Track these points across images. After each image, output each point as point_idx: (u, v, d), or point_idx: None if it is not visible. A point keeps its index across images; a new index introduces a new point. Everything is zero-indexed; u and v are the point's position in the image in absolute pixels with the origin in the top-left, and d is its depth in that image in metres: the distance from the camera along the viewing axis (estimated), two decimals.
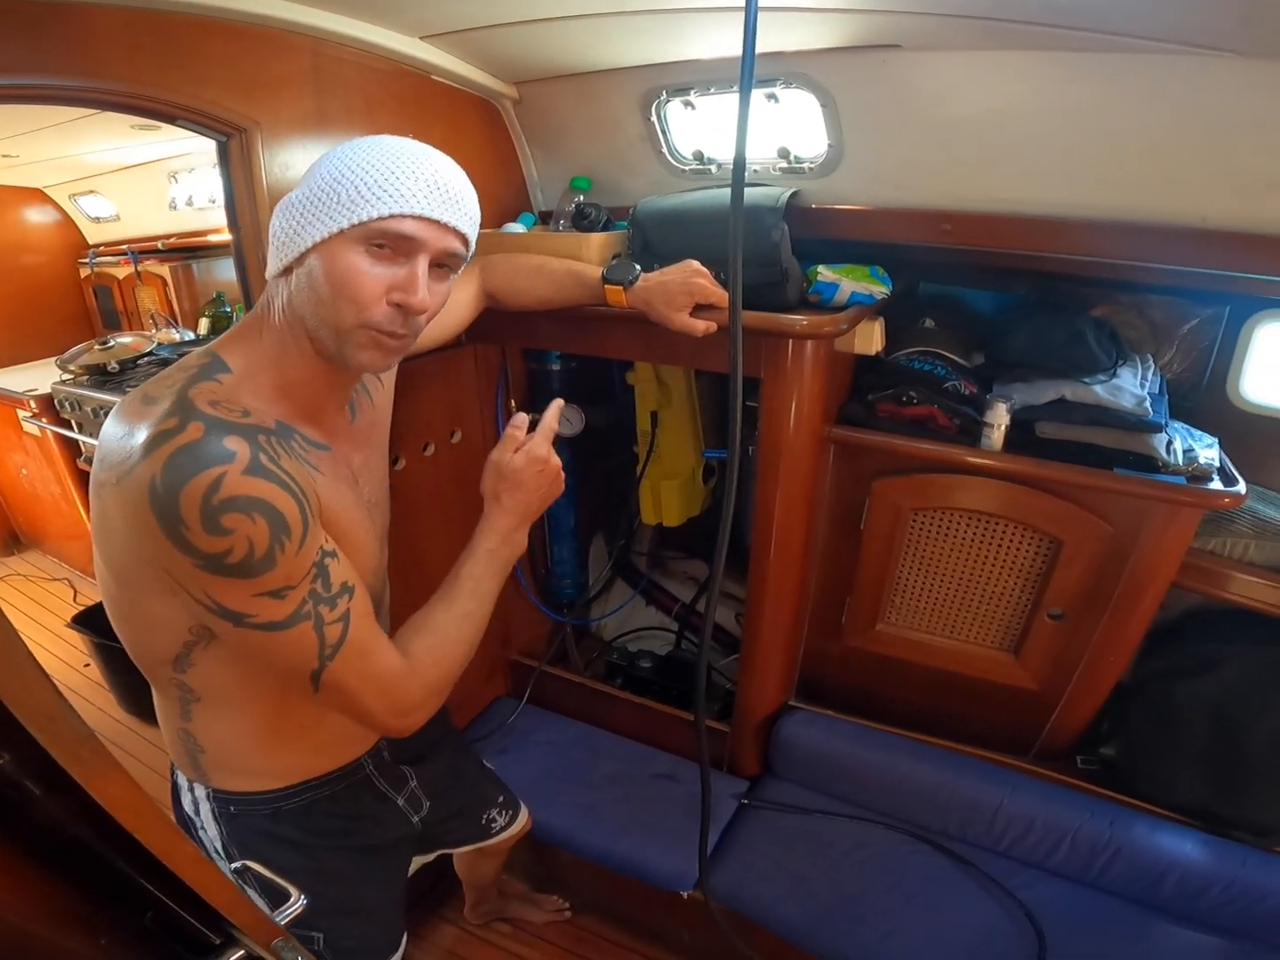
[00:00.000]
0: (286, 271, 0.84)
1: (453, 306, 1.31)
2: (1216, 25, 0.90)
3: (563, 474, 1.03)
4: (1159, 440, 1.39)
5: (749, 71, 0.71)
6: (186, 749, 0.99)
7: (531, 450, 0.99)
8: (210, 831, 1.04)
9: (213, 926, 0.78)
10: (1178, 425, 1.52)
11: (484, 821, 1.49)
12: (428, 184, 0.80)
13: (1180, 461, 1.38)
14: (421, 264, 0.82)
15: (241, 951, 0.78)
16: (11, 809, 0.64)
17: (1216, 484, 1.35)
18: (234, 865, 1.02)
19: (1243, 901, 1.47)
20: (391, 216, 0.78)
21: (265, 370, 0.85)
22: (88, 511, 3.04)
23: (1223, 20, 0.88)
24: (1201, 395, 1.70)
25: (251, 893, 1.02)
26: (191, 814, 1.05)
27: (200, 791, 1.03)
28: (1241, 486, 1.34)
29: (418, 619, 0.95)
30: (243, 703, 0.97)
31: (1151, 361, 1.61)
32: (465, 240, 0.86)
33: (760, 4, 1.13)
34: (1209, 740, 1.58)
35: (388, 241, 0.80)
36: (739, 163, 0.78)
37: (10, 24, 0.95)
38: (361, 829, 1.16)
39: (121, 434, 0.74)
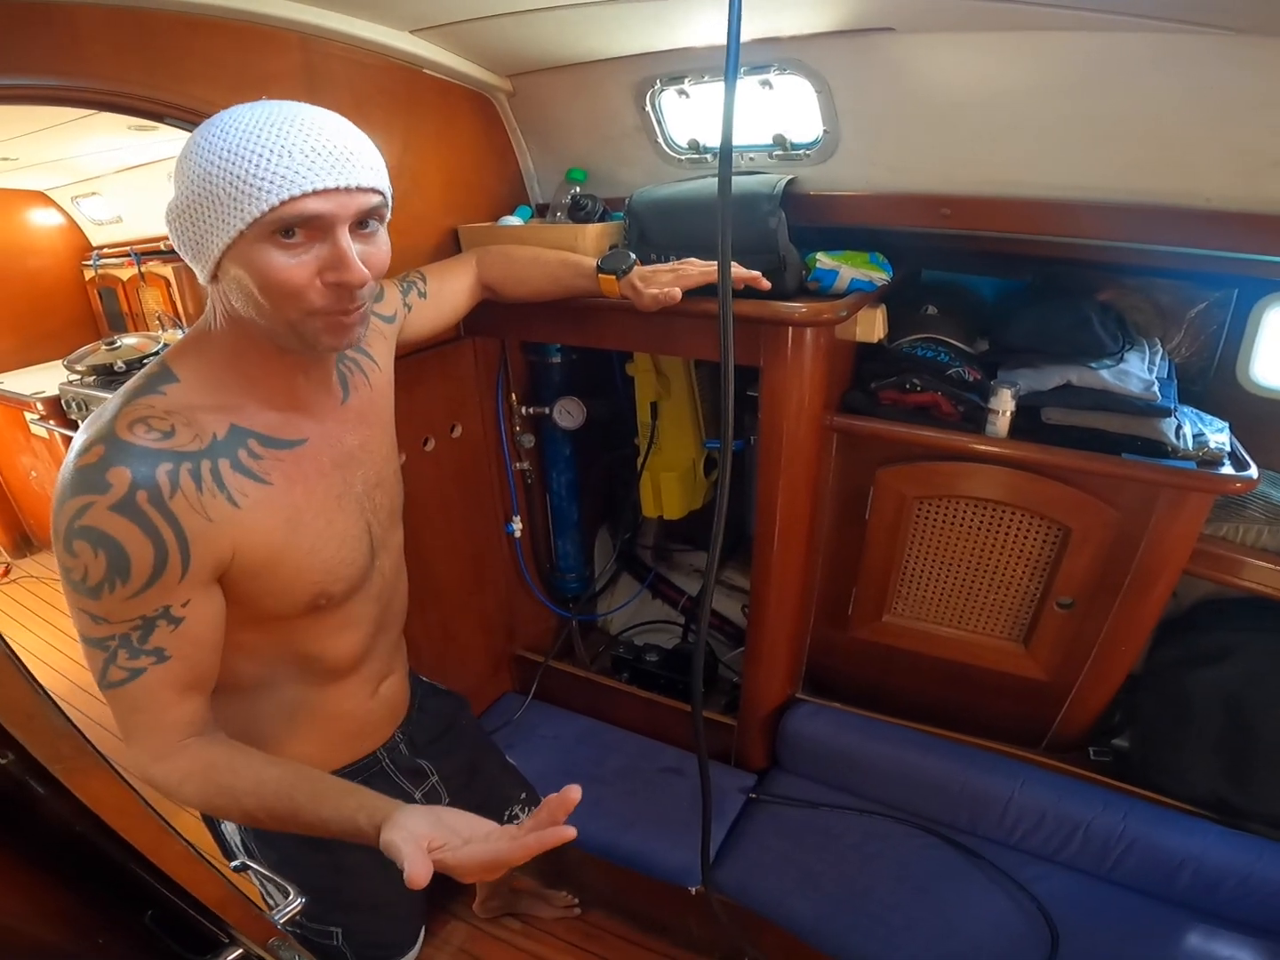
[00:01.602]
0: (212, 278, 0.79)
1: (449, 297, 1.30)
2: (1214, 2, 0.87)
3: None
4: (1168, 425, 1.37)
5: (734, 58, 0.69)
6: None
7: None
8: (231, 825, 1.04)
9: (214, 925, 0.78)
10: (1187, 410, 1.49)
11: (505, 819, 1.46)
12: (309, 153, 0.72)
13: (1190, 446, 1.36)
14: (342, 237, 0.76)
15: (240, 951, 0.78)
16: (16, 808, 0.64)
17: (1227, 469, 1.33)
18: (234, 864, 1.02)
19: (1260, 894, 1.45)
20: (285, 203, 0.71)
21: (228, 371, 0.84)
22: None
23: None
24: (1211, 379, 1.67)
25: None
26: None
27: None
28: (1253, 471, 1.32)
29: (248, 752, 0.86)
30: (248, 692, 0.97)
31: (1159, 345, 1.59)
32: (379, 192, 0.79)
33: None
34: (1223, 730, 1.56)
35: (295, 226, 0.73)
36: (725, 150, 0.77)
37: None
38: None
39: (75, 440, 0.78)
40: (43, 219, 3.44)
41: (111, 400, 0.80)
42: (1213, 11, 0.91)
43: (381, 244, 0.82)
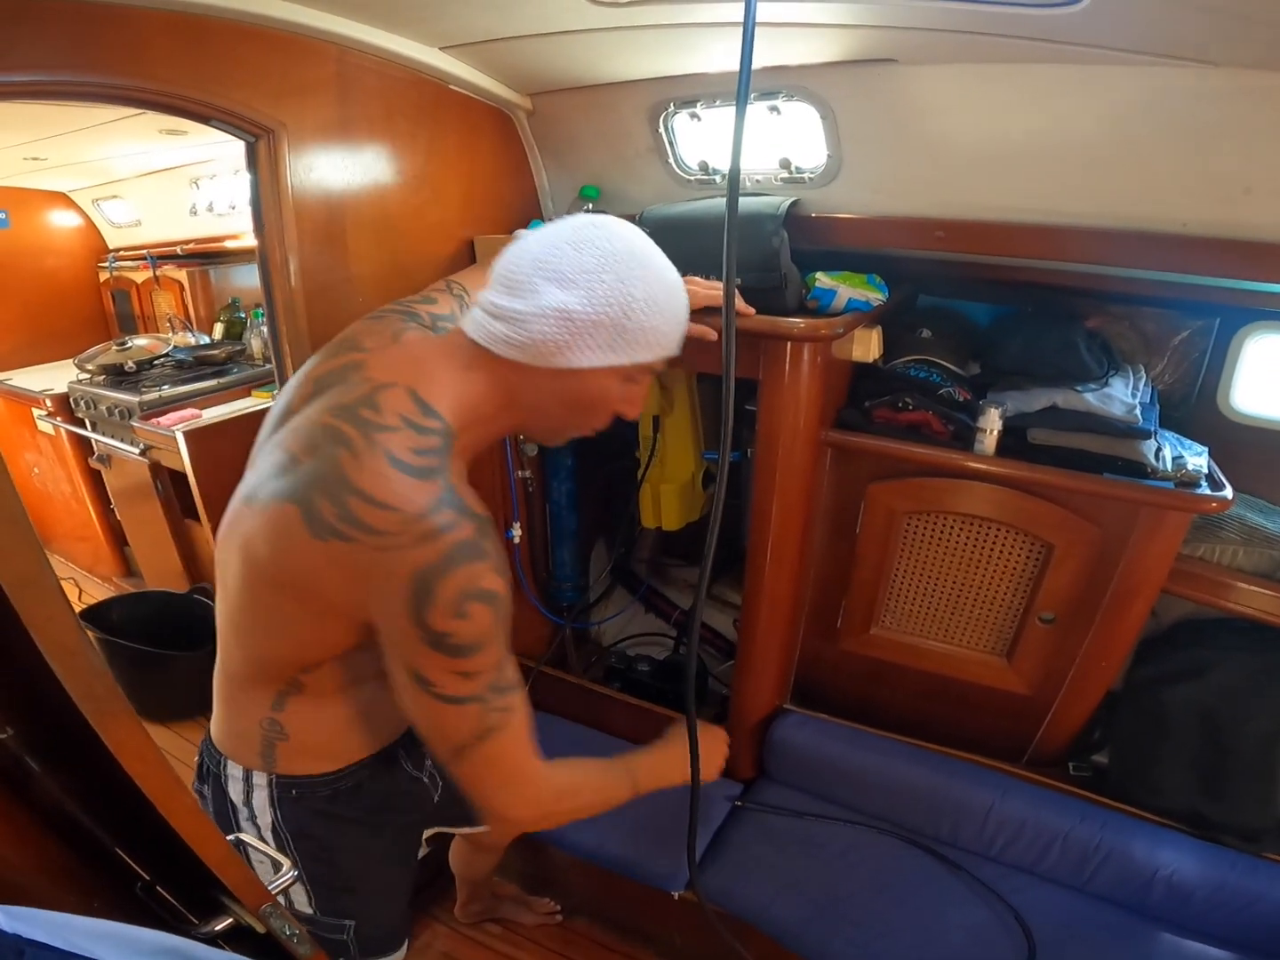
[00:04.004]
0: (528, 366, 0.89)
1: None
2: (1189, 37, 0.94)
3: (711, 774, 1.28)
4: (1148, 446, 1.43)
5: (745, 86, 0.75)
6: (264, 738, 1.02)
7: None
8: (263, 818, 1.06)
9: (199, 898, 0.80)
10: (1168, 434, 1.56)
11: None
12: (684, 327, 0.94)
13: (1169, 467, 1.42)
14: (648, 382, 0.97)
15: (229, 919, 0.80)
16: (12, 783, 0.67)
17: (1204, 489, 1.38)
18: (230, 838, 1.04)
19: (1232, 906, 1.48)
20: (665, 359, 0.93)
21: (464, 426, 0.90)
22: (98, 511, 3.10)
23: (1195, 32, 0.93)
24: (1193, 406, 1.74)
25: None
26: (240, 801, 1.06)
27: (260, 779, 1.05)
28: (1228, 492, 1.37)
29: (578, 762, 1.01)
30: (342, 693, 1.02)
31: (1143, 372, 1.65)
32: None
33: (762, 19, 1.19)
34: (1198, 746, 1.60)
35: (643, 373, 0.93)
36: (733, 174, 0.84)
37: (60, 25, 1.02)
38: (400, 805, 1.20)
39: (383, 503, 0.79)
40: (62, 220, 3.50)
41: (405, 448, 0.82)
42: (1190, 46, 0.98)
43: None
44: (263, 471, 0.90)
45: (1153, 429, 1.45)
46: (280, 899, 1.08)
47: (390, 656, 0.85)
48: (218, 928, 0.79)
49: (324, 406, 0.88)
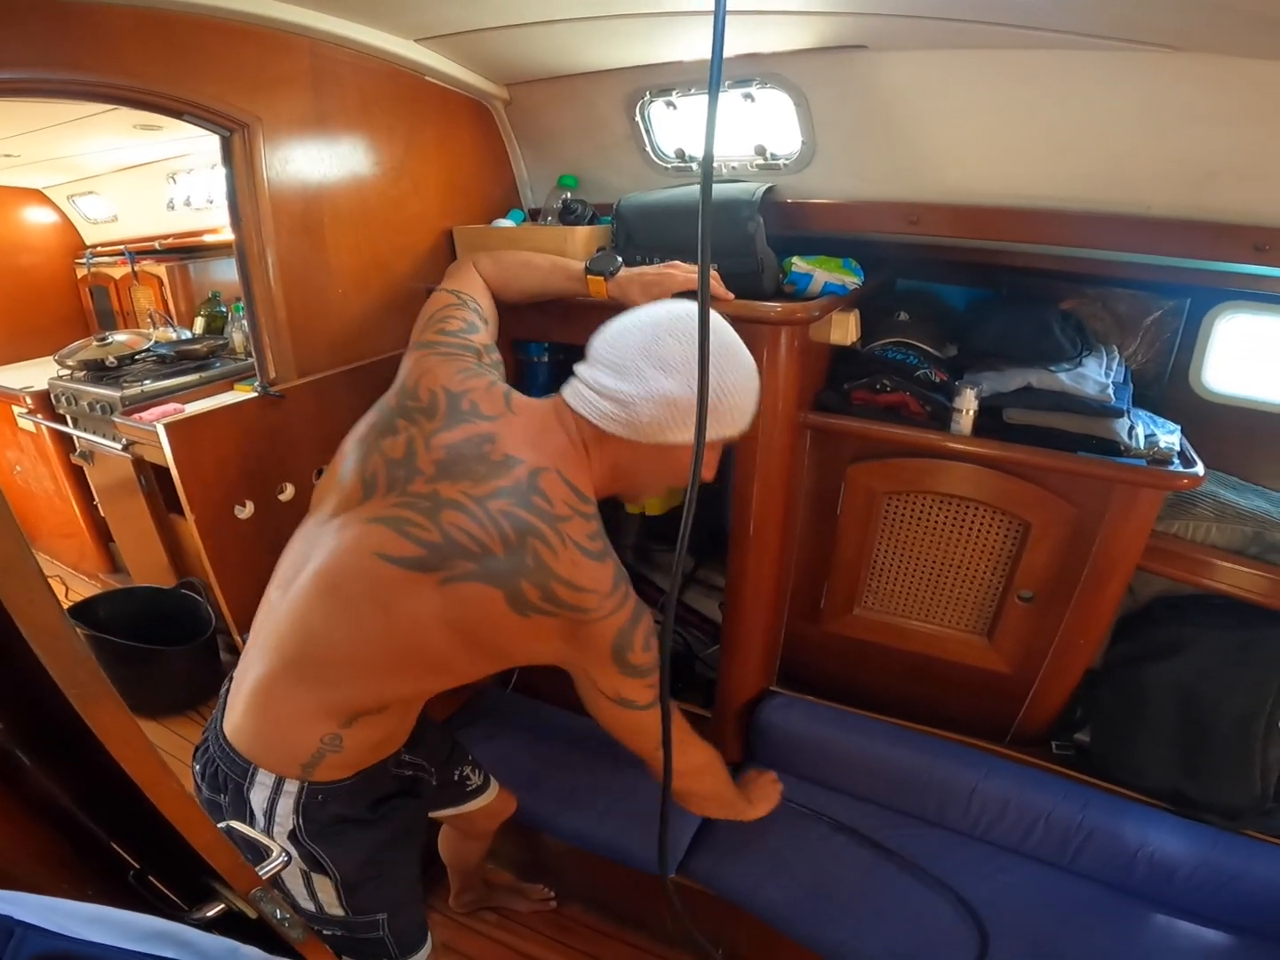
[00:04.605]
0: (631, 440, 1.03)
1: (490, 314, 1.36)
2: (1154, 22, 0.96)
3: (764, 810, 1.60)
4: (1121, 425, 1.45)
5: (717, 74, 0.75)
6: (318, 750, 1.04)
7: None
8: (284, 824, 1.07)
9: (191, 886, 0.81)
10: (1141, 412, 1.58)
11: (458, 778, 1.52)
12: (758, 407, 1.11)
13: (1141, 445, 1.44)
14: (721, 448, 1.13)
15: (220, 905, 0.81)
16: (4, 775, 0.68)
17: (1176, 466, 1.40)
18: (220, 825, 1.05)
19: (1214, 883, 1.51)
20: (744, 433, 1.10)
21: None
22: (81, 508, 3.08)
23: (1160, 17, 0.94)
24: (1165, 385, 1.77)
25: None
26: (261, 809, 1.06)
27: (291, 786, 1.05)
28: (1199, 468, 1.39)
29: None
30: (406, 710, 1.15)
31: (1116, 352, 1.67)
32: None
33: (735, 6, 1.20)
34: (1177, 724, 1.62)
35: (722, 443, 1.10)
36: (707, 159, 0.84)
37: (30, 21, 1.01)
38: (413, 790, 1.26)
39: (583, 587, 0.98)
40: (37, 217, 3.46)
41: (587, 539, 1.00)
42: (1154, 30, 1.00)
43: None
44: (393, 510, 1.01)
45: (1125, 408, 1.47)
46: (303, 896, 1.12)
47: (591, 689, 1.08)
48: (209, 913, 0.80)
49: (489, 492, 0.99)
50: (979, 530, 1.60)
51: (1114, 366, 1.59)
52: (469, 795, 1.55)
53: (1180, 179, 1.21)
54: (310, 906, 1.12)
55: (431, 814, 1.54)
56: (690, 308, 1.01)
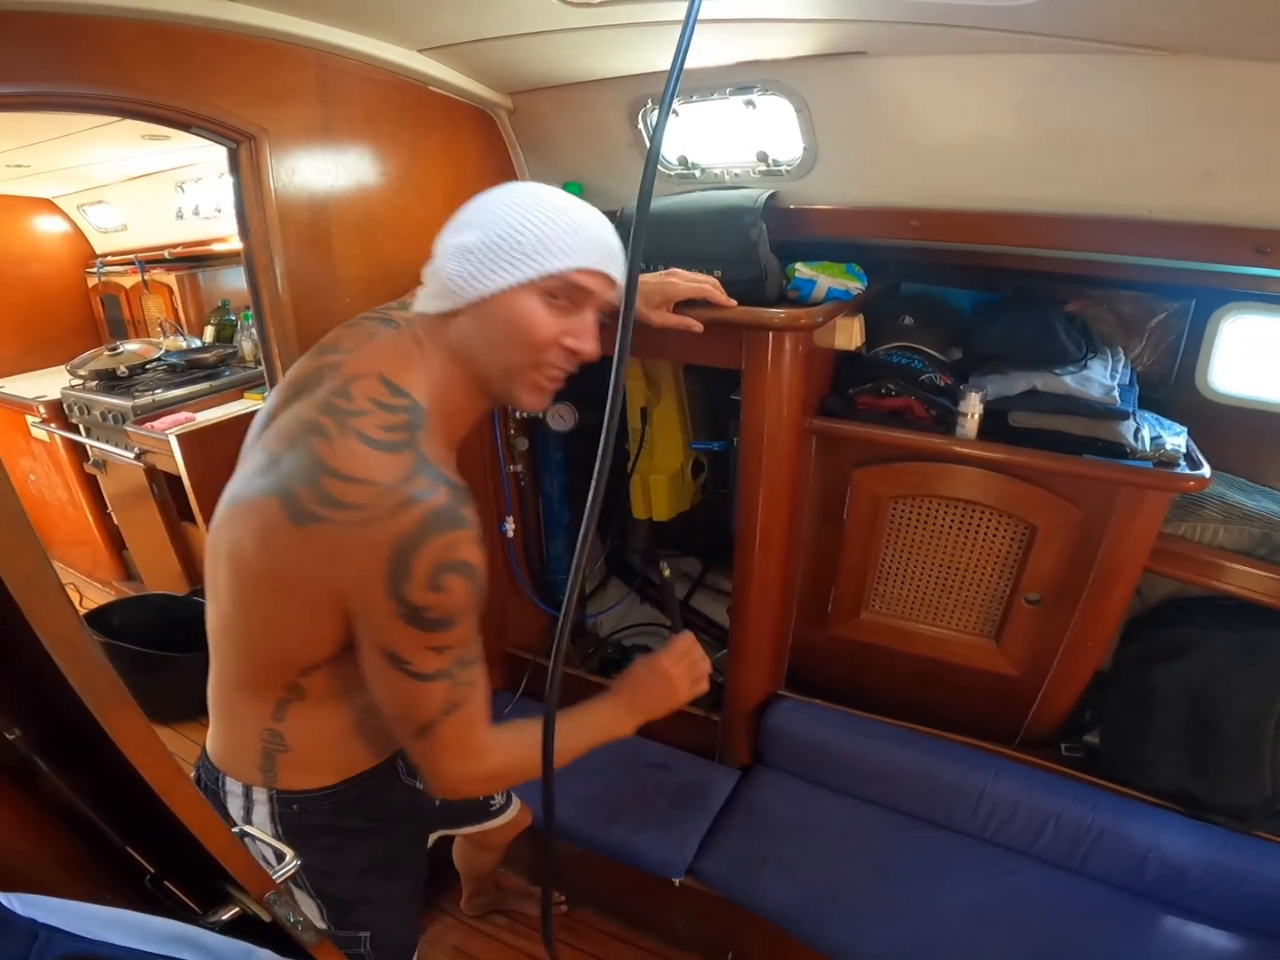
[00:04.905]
0: (455, 313, 0.90)
1: None
2: (1148, 25, 0.96)
3: (684, 693, 1.16)
4: (1126, 427, 1.45)
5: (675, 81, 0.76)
6: (264, 750, 1.01)
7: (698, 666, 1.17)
8: (265, 821, 1.05)
9: (206, 890, 0.83)
10: (1147, 414, 1.58)
11: (482, 798, 1.51)
12: (601, 243, 0.89)
13: (1147, 448, 1.44)
14: (591, 314, 0.91)
15: (235, 909, 0.82)
16: (26, 782, 0.69)
17: (1182, 469, 1.40)
18: (234, 830, 1.05)
19: (1224, 884, 1.50)
20: (576, 271, 0.87)
21: (436, 404, 0.91)
22: (95, 516, 3.11)
23: (1155, 20, 0.95)
24: (1171, 386, 1.76)
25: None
26: (240, 819, 1.05)
27: (260, 795, 1.04)
28: (1206, 470, 1.39)
29: (519, 726, 1.00)
30: (343, 699, 1.01)
31: (1122, 354, 1.67)
32: (619, 292, 0.94)
33: (736, 15, 1.21)
34: (1186, 724, 1.62)
35: (565, 293, 0.88)
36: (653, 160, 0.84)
37: (37, 36, 1.03)
38: (402, 812, 1.20)
39: (354, 478, 0.80)
40: (49, 226, 3.50)
41: (377, 426, 0.84)
42: (1148, 34, 1.00)
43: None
44: (246, 474, 0.91)
45: (1131, 410, 1.47)
46: (292, 889, 1.11)
47: (365, 638, 0.85)
48: (224, 916, 0.81)
49: (301, 405, 0.90)
50: (985, 534, 1.60)
51: (1119, 369, 1.59)
52: (491, 814, 1.54)
53: (1179, 181, 1.21)
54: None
55: (451, 832, 1.54)
56: (514, 185, 0.92)
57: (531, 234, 0.86)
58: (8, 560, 0.56)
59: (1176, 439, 1.48)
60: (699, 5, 0.62)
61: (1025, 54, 1.15)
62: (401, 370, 0.91)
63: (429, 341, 0.92)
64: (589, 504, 0.78)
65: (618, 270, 0.91)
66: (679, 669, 1.13)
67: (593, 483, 0.78)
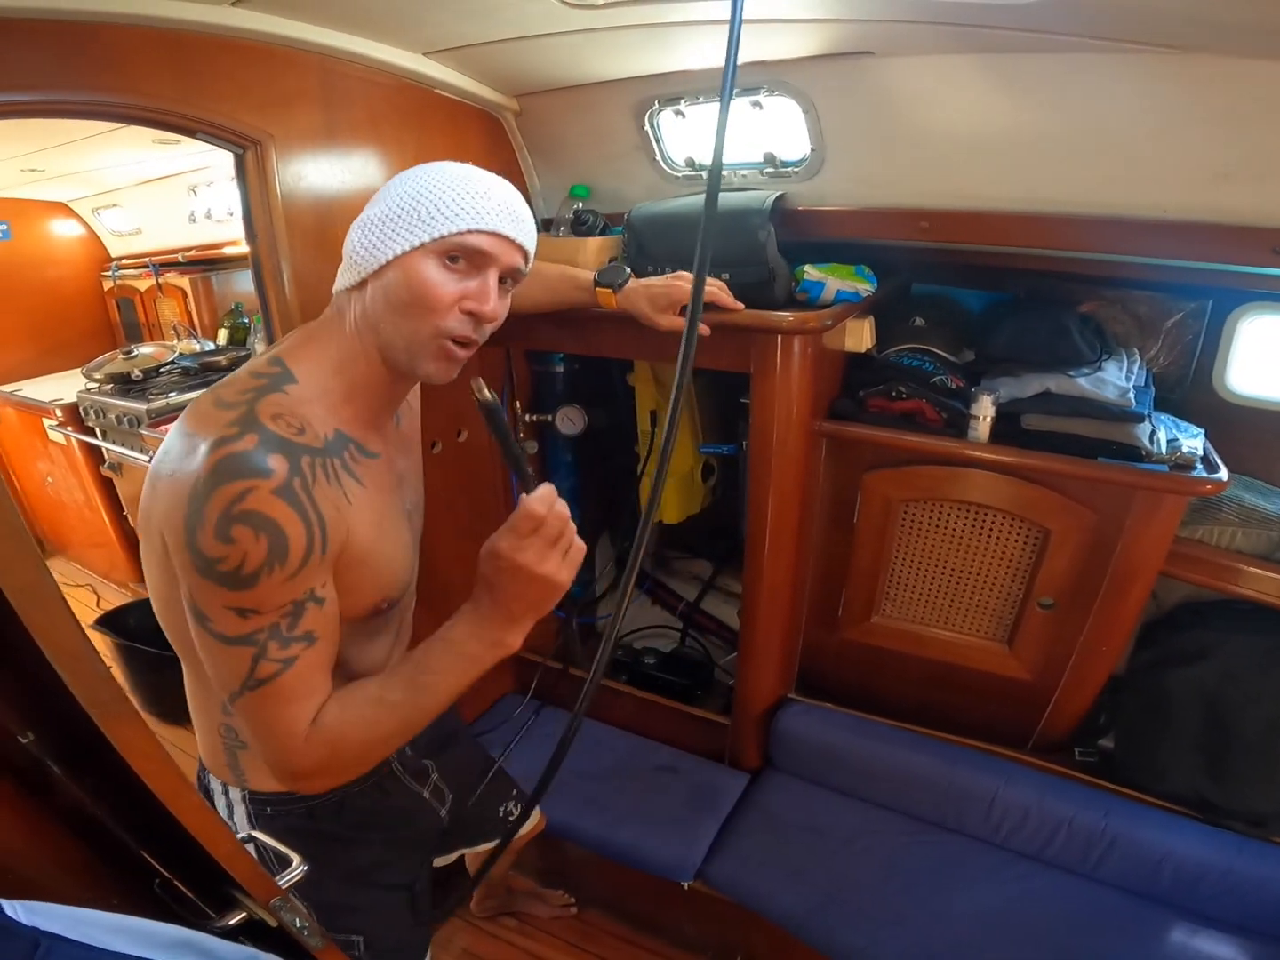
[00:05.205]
0: (360, 285, 0.89)
1: None
2: (1160, 24, 0.94)
3: (557, 580, 0.84)
4: (1142, 430, 1.42)
5: (730, 82, 0.74)
6: (226, 746, 1.01)
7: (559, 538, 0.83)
8: (243, 834, 1.04)
9: (213, 895, 0.83)
10: (1163, 416, 1.55)
11: (502, 814, 1.51)
12: (498, 204, 0.87)
13: (1163, 450, 1.41)
14: (492, 276, 0.88)
15: (242, 914, 0.83)
16: (34, 787, 0.69)
17: (1199, 472, 1.38)
18: (240, 835, 1.03)
19: (1240, 891, 1.48)
20: (468, 232, 0.85)
21: (334, 377, 0.90)
22: (112, 518, 3.14)
23: (1166, 19, 0.93)
24: (1188, 388, 1.73)
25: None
26: (226, 819, 1.05)
27: (236, 794, 1.04)
28: (1223, 474, 1.37)
29: (355, 688, 0.87)
30: None
31: (1137, 355, 1.65)
32: (526, 256, 0.92)
33: (742, 15, 1.20)
34: (1202, 729, 1.60)
35: (462, 255, 0.86)
36: (715, 167, 0.82)
37: (43, 43, 1.03)
38: (392, 821, 1.18)
39: (190, 432, 0.79)
40: (64, 230, 3.53)
41: (232, 391, 0.82)
42: (1159, 32, 0.98)
43: (507, 304, 0.94)
44: None
45: (1146, 412, 1.45)
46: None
47: (182, 596, 0.80)
48: (231, 921, 0.81)
49: None
50: (998, 537, 1.58)
51: (1134, 370, 1.56)
52: (510, 828, 1.49)
53: (1195, 181, 1.19)
54: None
55: (470, 850, 1.53)
56: (428, 163, 0.91)
57: (428, 200, 0.85)
58: (7, 570, 0.56)
59: (1193, 441, 1.45)
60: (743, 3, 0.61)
61: (1036, 53, 1.13)
62: (297, 348, 0.91)
63: (336, 318, 0.92)
64: (637, 540, 0.76)
65: (520, 233, 0.89)
66: (530, 553, 0.81)
67: (644, 516, 0.77)
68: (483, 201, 0.86)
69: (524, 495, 0.81)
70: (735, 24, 0.81)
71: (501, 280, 0.91)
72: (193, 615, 0.79)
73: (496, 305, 0.89)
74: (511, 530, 0.81)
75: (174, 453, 0.79)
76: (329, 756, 0.85)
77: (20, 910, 0.51)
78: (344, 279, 0.91)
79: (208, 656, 0.82)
